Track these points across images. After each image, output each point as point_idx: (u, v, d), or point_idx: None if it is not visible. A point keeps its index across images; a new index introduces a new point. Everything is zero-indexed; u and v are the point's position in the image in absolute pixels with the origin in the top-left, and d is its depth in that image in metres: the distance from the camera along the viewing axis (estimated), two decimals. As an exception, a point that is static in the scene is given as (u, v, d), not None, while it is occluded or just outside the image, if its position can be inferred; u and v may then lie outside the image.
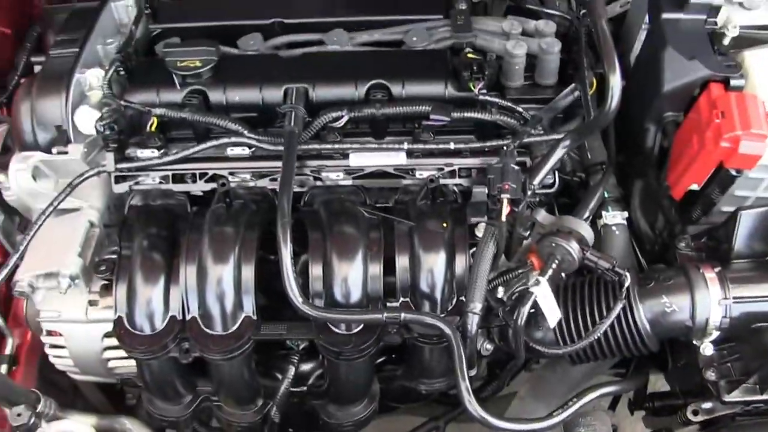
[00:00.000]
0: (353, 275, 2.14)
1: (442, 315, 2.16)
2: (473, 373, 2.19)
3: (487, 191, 2.12)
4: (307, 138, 2.22)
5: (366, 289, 2.16)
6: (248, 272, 2.16)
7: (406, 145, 2.25)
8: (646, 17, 2.38)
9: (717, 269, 2.12)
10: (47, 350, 2.36)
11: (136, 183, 2.30)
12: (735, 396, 2.15)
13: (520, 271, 2.13)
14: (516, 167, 2.09)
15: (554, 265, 2.06)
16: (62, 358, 2.36)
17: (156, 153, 2.27)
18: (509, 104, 2.27)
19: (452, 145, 2.24)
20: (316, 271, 2.16)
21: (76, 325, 2.29)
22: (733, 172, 2.10)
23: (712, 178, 2.16)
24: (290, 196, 2.05)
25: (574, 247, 2.05)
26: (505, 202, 2.03)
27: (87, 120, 2.27)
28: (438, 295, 2.17)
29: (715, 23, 2.26)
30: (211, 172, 2.28)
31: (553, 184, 2.27)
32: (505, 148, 2.18)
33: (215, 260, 2.14)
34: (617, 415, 2.73)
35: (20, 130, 2.37)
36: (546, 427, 2.15)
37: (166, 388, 2.35)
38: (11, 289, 2.18)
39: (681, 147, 2.22)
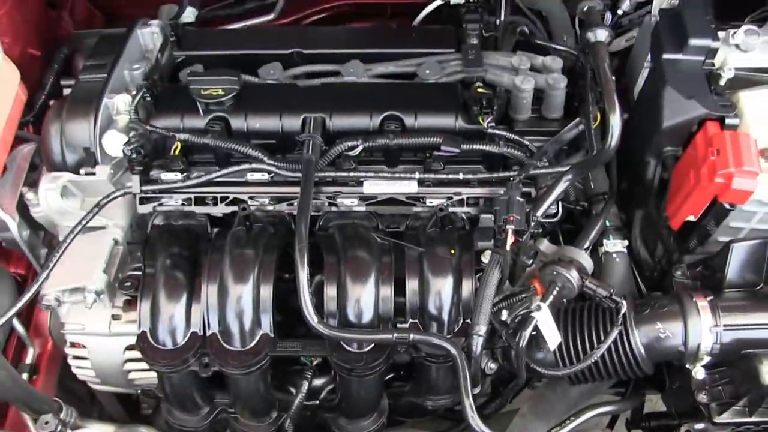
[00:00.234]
0: (365, 297, 2.19)
1: (449, 336, 2.20)
2: (477, 390, 2.22)
3: (493, 220, 2.18)
4: (323, 165, 2.27)
5: (377, 310, 2.20)
6: (266, 292, 2.20)
7: (417, 175, 2.30)
8: (649, 56, 2.44)
9: (709, 298, 2.16)
10: (70, 361, 2.41)
11: (160, 204, 2.35)
12: (725, 418, 2.18)
13: (523, 295, 2.19)
14: (521, 200, 2.15)
15: (555, 292, 2.12)
16: (84, 369, 2.41)
17: (179, 176, 2.33)
18: (516, 137, 2.32)
19: (461, 176, 2.30)
20: (330, 292, 2.21)
21: (99, 338, 2.34)
22: (727, 206, 2.14)
23: (708, 210, 2.20)
24: (308, 222, 2.09)
25: (574, 276, 2.12)
26: (510, 232, 2.10)
27: (115, 143, 2.33)
28: (445, 317, 2.22)
29: (713, 64, 2.30)
30: (231, 196, 2.33)
31: (557, 213, 2.33)
32: (511, 179, 2.24)
33: (236, 280, 2.19)
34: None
35: (49, 151, 2.42)
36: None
37: (186, 399, 2.38)
38: (37, 302, 2.23)
39: (679, 180, 2.28)
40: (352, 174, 2.31)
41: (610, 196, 2.47)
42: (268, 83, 2.51)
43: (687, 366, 2.18)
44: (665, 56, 2.32)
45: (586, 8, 2.40)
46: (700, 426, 2.27)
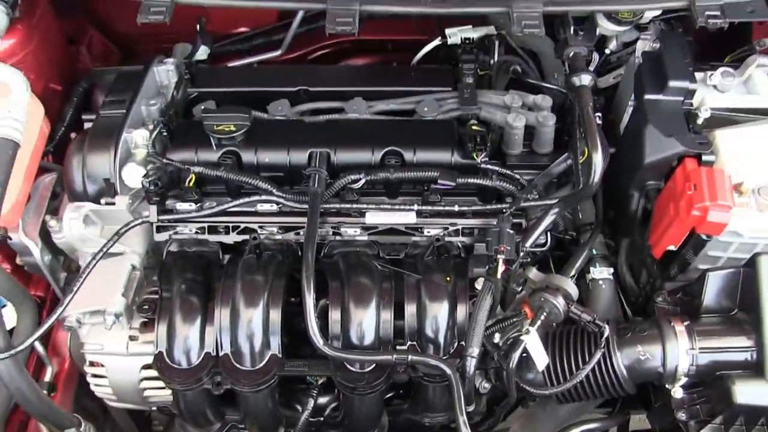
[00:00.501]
0: (367, 320, 2.30)
1: (445, 357, 2.29)
2: (471, 408, 2.34)
3: (486, 249, 2.28)
4: (328, 197, 2.37)
5: (378, 333, 2.31)
6: (275, 315, 2.30)
7: (416, 206, 2.40)
8: (632, 95, 2.53)
9: (686, 323, 2.25)
10: (89, 379, 2.49)
11: (175, 232, 2.46)
12: (703, 435, 2.27)
13: (514, 319, 2.29)
14: (511, 231, 2.24)
15: (543, 317, 2.22)
16: (102, 387, 2.49)
17: (193, 206, 2.43)
18: (508, 172, 2.41)
19: (457, 207, 2.39)
20: (335, 315, 2.31)
21: (117, 358, 2.43)
22: (704, 237, 2.25)
23: (687, 240, 2.30)
24: (314, 250, 2.19)
25: (560, 302, 2.23)
26: (501, 262, 2.20)
27: (134, 175, 2.42)
28: (441, 339, 2.31)
29: (691, 104, 2.41)
30: (242, 225, 2.43)
31: (546, 243, 2.43)
32: (503, 211, 2.34)
33: (247, 304, 2.29)
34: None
35: (71, 181, 2.50)
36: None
37: (199, 416, 2.48)
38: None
39: (660, 212, 2.37)
40: (355, 205, 2.41)
41: (595, 227, 2.56)
42: (276, 119, 2.59)
43: (666, 386, 2.27)
44: (647, 96, 2.43)
45: (572, 54, 2.48)
46: (680, 442, 2.35)
